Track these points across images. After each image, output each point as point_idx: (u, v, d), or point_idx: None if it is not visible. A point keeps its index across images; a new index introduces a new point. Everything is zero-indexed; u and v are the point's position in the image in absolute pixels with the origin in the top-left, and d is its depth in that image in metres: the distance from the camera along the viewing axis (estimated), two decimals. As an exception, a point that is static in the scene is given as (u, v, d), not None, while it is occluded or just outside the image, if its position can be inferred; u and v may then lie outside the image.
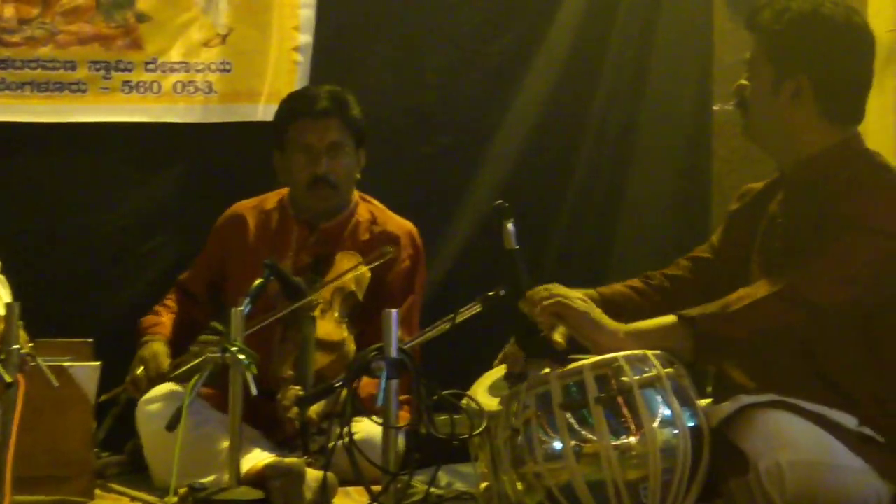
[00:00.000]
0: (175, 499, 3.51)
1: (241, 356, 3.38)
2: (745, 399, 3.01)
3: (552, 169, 5.29)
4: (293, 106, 4.46)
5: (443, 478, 3.94)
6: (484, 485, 3.17)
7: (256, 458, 3.79)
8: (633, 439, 2.87)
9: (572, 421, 2.90)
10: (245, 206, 4.51)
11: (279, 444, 4.05)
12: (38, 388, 3.17)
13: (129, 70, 4.96)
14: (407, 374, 3.06)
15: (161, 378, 4.20)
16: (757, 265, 3.29)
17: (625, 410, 2.89)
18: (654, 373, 2.94)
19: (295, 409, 3.85)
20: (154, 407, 4.09)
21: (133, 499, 3.90)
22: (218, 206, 4.60)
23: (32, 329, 3.42)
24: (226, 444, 3.62)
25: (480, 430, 3.04)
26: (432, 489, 3.26)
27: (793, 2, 3.26)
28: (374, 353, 3.05)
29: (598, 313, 3.13)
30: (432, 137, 5.23)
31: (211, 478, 3.84)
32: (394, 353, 3.04)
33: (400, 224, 4.44)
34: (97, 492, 3.87)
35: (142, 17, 4.97)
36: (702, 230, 5.09)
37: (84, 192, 4.98)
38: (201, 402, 4.06)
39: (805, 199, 3.23)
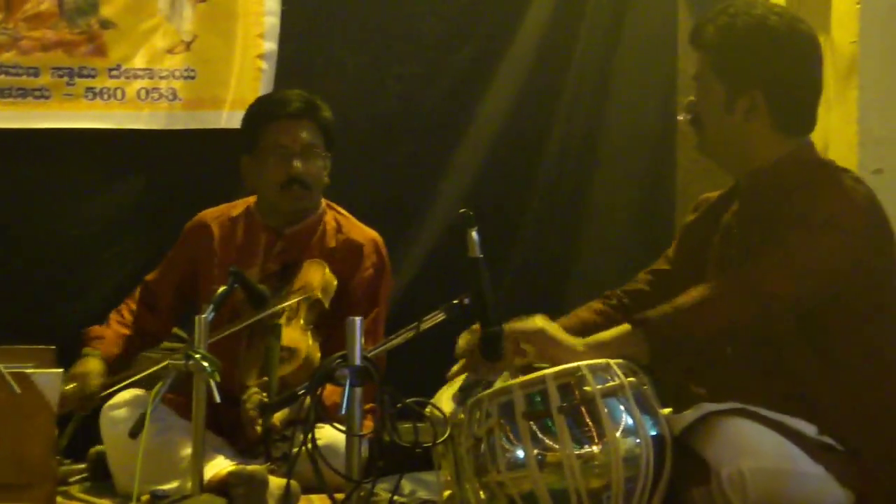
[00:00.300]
0: (137, 506, 3.51)
1: (205, 363, 3.37)
2: (707, 407, 3.02)
3: (516, 177, 5.30)
4: (266, 109, 4.45)
5: (406, 486, 3.95)
6: (447, 493, 3.17)
7: (219, 466, 3.79)
8: (595, 448, 2.88)
9: (535, 430, 2.91)
10: (209, 216, 4.49)
11: (242, 451, 4.04)
12: (0, 395, 3.16)
13: (93, 76, 4.95)
14: (371, 381, 3.06)
15: (90, 399, 4.15)
16: (713, 275, 3.30)
17: (587, 419, 2.90)
18: (616, 382, 2.95)
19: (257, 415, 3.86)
20: (118, 413, 4.07)
21: (95, 507, 3.90)
22: (182, 212, 4.58)
23: (-6, 336, 3.41)
24: (189, 450, 3.61)
25: (444, 438, 3.04)
26: (395, 497, 3.26)
27: (736, 17, 3.25)
28: (338, 360, 3.05)
29: (554, 328, 3.14)
30: (396, 145, 5.24)
31: (174, 484, 3.84)
32: (357, 360, 3.04)
33: (365, 233, 4.44)
34: (59, 500, 3.85)
35: (106, 24, 4.95)
36: (665, 239, 5.06)
37: (47, 199, 4.96)
38: (165, 408, 4.04)
39: (758, 208, 3.25)
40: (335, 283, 4.23)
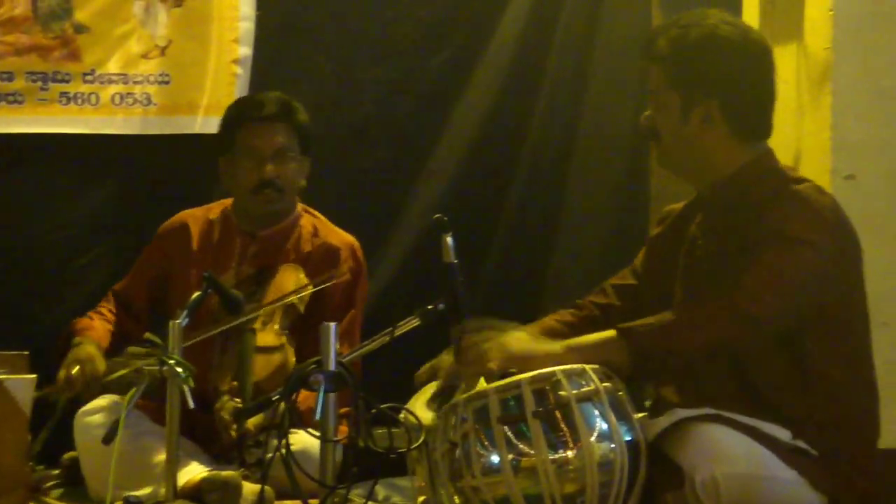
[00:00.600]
0: (111, 512, 3.49)
1: (179, 369, 3.36)
2: (681, 413, 3.03)
3: (491, 183, 5.30)
4: (240, 111, 4.45)
5: (380, 491, 3.95)
6: (421, 498, 3.17)
7: (193, 472, 3.78)
8: (570, 453, 2.89)
9: (510, 435, 2.91)
10: (189, 215, 4.48)
11: (216, 457, 4.03)
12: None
13: (67, 81, 4.92)
14: (345, 387, 3.06)
15: (97, 380, 4.12)
16: (680, 287, 3.31)
17: (562, 424, 2.91)
18: (592, 387, 2.96)
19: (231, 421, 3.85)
20: (92, 418, 4.05)
21: (68, 512, 3.89)
22: (156, 218, 4.57)
23: (-33, 342, 3.40)
24: (162, 456, 3.59)
25: (418, 443, 3.04)
26: (370, 503, 3.26)
27: (688, 28, 3.26)
28: (313, 366, 3.05)
29: (526, 339, 3.15)
30: (371, 151, 5.23)
31: (147, 490, 3.83)
32: (332, 366, 3.04)
33: (342, 237, 4.43)
34: (32, 505, 3.85)
35: (80, 28, 4.93)
36: (640, 245, 5.10)
37: (20, 204, 4.94)
38: (139, 413, 4.03)
39: (723, 219, 3.26)
40: (311, 287, 4.22)
